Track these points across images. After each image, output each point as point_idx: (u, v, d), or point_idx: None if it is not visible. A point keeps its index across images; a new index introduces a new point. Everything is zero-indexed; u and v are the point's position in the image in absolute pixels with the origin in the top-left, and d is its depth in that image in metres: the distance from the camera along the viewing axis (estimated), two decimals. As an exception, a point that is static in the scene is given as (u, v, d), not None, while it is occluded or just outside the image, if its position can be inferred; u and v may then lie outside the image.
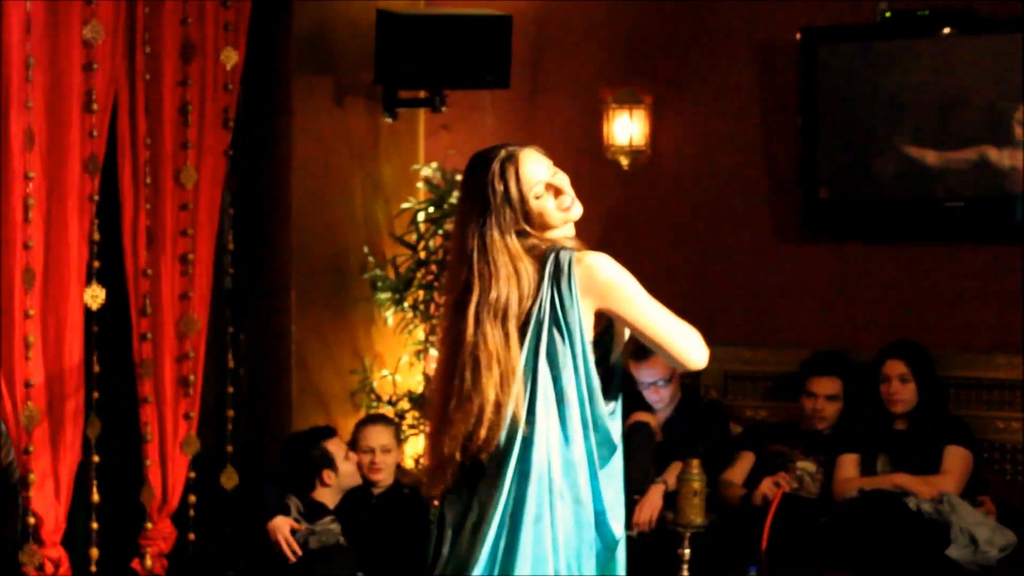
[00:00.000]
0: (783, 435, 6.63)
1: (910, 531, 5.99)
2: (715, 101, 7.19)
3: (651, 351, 6.48)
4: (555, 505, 3.65)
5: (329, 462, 6.27)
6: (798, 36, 6.88)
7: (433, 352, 7.31)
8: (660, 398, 6.68)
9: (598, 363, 3.75)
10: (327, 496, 6.30)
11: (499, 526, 3.63)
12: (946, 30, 6.67)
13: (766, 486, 6.34)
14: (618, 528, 3.78)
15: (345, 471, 6.31)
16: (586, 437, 3.71)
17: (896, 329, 6.70)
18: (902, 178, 6.77)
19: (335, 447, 6.31)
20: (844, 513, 6.17)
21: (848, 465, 6.41)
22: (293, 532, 6.08)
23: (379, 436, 6.41)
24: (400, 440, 6.69)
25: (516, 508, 3.63)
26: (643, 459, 6.47)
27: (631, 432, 6.53)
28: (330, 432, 6.38)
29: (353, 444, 6.44)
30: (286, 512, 6.16)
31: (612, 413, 3.79)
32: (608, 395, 3.78)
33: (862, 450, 6.43)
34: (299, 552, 6.06)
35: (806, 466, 6.45)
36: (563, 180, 3.82)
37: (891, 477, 6.30)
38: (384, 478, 6.41)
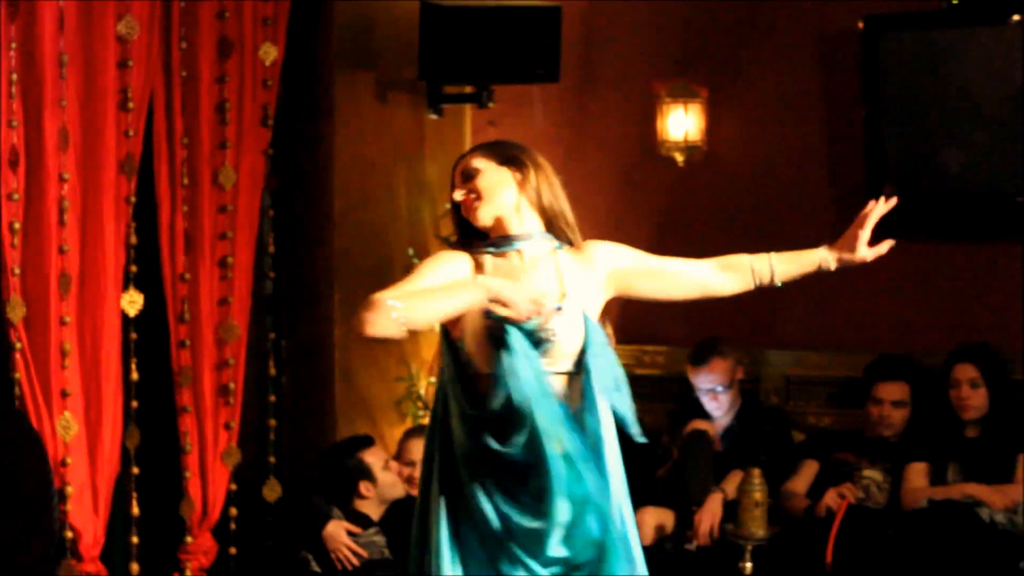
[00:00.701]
0: (848, 443, 6.56)
1: (982, 543, 5.95)
2: (774, 94, 7.14)
3: (708, 356, 6.53)
4: None
5: (365, 473, 6.21)
6: (860, 25, 6.82)
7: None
8: (719, 405, 6.63)
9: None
10: (369, 507, 6.25)
11: None
12: (1015, 17, 6.59)
13: (830, 498, 6.27)
14: None
15: (385, 481, 6.24)
16: None
17: (966, 331, 6.63)
18: (970, 172, 6.71)
19: (373, 457, 6.25)
20: (913, 525, 6.11)
21: (917, 474, 6.33)
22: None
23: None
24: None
25: None
26: (701, 468, 6.42)
27: (689, 441, 6.49)
28: (368, 441, 6.33)
29: (399, 455, 6.40)
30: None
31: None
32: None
33: (931, 458, 6.35)
34: (364, 555, 6.02)
35: (872, 475, 6.39)
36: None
37: (962, 487, 6.22)
38: (427, 492, 6.35)
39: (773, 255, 4.09)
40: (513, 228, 3.93)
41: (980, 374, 6.34)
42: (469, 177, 3.94)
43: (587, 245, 4.03)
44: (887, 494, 6.37)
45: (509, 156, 3.96)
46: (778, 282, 4.10)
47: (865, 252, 4.13)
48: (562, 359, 3.87)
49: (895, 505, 6.33)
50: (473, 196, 3.93)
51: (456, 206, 3.98)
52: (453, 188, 3.98)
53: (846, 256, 4.13)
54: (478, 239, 3.95)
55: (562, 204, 3.99)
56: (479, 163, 3.95)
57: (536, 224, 3.94)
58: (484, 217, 3.93)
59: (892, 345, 6.82)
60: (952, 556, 5.92)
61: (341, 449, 6.32)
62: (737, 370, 6.68)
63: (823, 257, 4.12)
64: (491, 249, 3.92)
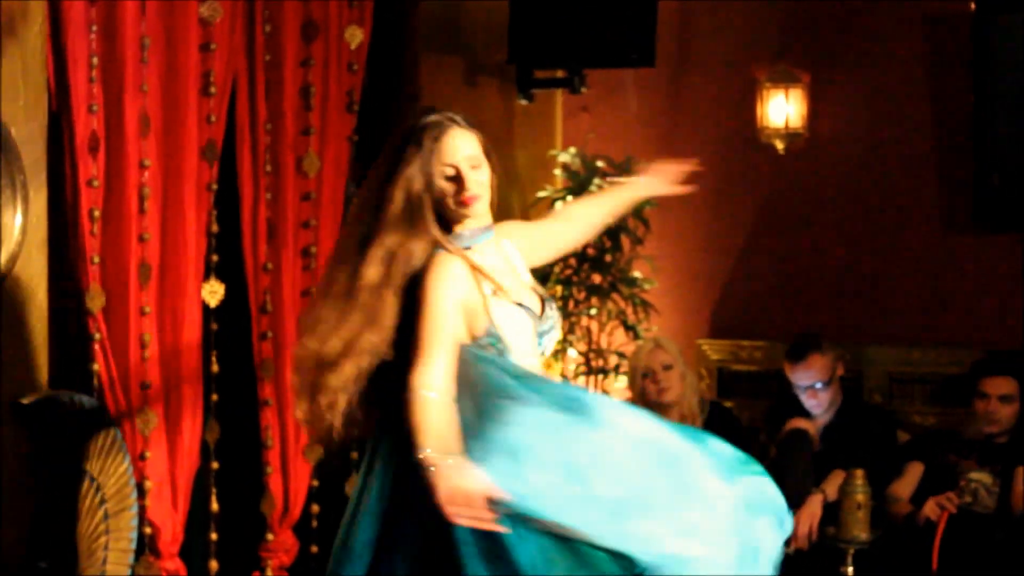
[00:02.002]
0: (955, 444, 6.49)
1: (1097, 548, 5.87)
2: (879, 79, 7.10)
3: (807, 352, 6.49)
4: None
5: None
6: (972, 6, 6.75)
7: (572, 352, 7.27)
8: (818, 402, 6.58)
9: None
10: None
11: None
12: None
13: (930, 508, 6.19)
14: None
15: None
16: None
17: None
18: (1086, 162, 6.64)
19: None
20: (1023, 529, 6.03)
21: (1028, 477, 6.27)
22: None
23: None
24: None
25: None
26: (800, 469, 6.38)
27: (787, 440, 6.45)
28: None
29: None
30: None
31: None
32: None
33: (1043, 459, 6.29)
34: None
35: (980, 478, 6.31)
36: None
37: (1076, 490, 6.16)
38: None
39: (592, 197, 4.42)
40: (486, 219, 3.85)
41: None
42: (476, 167, 3.78)
43: (500, 227, 3.94)
44: (996, 497, 6.30)
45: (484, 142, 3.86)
46: (609, 221, 4.33)
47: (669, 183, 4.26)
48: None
49: (1005, 508, 6.25)
50: (479, 192, 3.78)
51: (439, 195, 3.77)
52: (456, 176, 3.76)
53: (655, 187, 4.30)
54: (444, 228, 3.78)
55: None
56: (480, 154, 3.81)
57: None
58: (480, 212, 3.81)
59: (999, 341, 6.78)
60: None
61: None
62: (837, 366, 6.63)
63: (635, 189, 4.33)
64: (470, 243, 3.80)
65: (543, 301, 3.90)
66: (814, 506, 6.26)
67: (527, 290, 3.89)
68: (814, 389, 6.56)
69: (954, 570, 5.95)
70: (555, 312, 3.93)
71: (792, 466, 6.39)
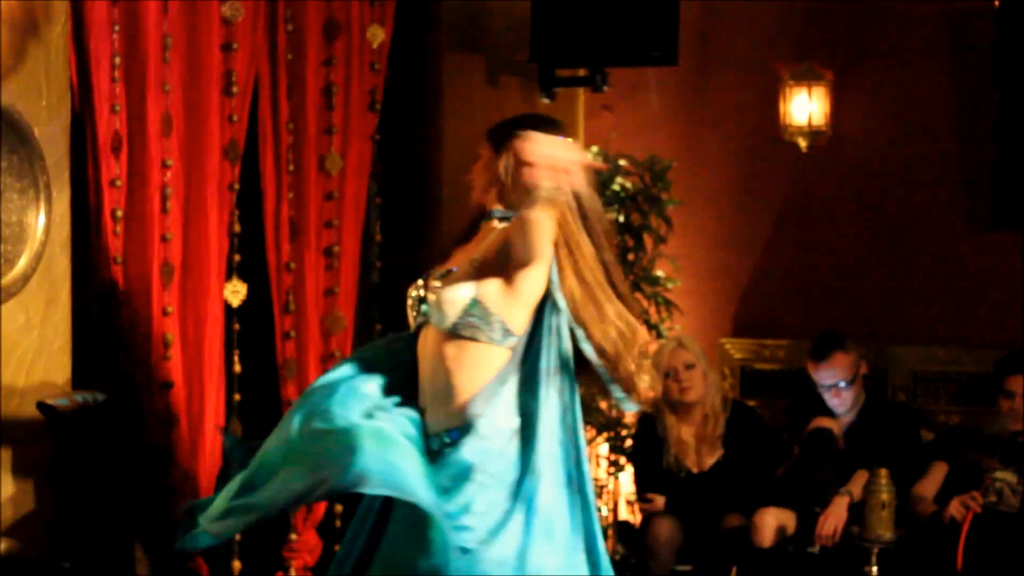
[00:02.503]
0: (979, 443, 6.49)
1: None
2: (903, 77, 7.09)
3: (831, 350, 6.49)
4: None
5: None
6: (996, 2, 6.73)
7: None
8: (842, 401, 6.58)
9: None
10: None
11: None
12: None
13: (954, 508, 6.19)
14: None
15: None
16: None
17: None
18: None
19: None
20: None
21: (1053, 475, 6.27)
22: None
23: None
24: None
25: None
26: (825, 468, 6.38)
27: (811, 439, 6.45)
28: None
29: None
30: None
31: None
32: None
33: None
34: None
35: (1006, 477, 6.30)
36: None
37: (1101, 488, 6.15)
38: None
39: None
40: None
41: None
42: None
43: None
44: (1021, 496, 6.30)
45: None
46: None
47: None
48: None
49: (1030, 508, 6.27)
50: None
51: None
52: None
53: None
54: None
55: None
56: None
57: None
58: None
59: (1022, 338, 6.75)
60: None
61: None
62: (860, 365, 6.63)
63: None
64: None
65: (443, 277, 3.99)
66: (840, 508, 6.27)
67: (465, 266, 3.96)
68: (838, 388, 6.57)
69: (979, 569, 5.94)
70: (441, 293, 3.94)
71: (817, 466, 6.40)
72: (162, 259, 5.62)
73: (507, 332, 3.83)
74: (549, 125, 4.05)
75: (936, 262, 7.08)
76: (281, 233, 6.14)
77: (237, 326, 5.99)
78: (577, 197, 3.88)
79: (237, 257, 5.96)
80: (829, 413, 6.59)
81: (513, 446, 3.80)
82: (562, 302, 3.81)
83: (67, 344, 5.25)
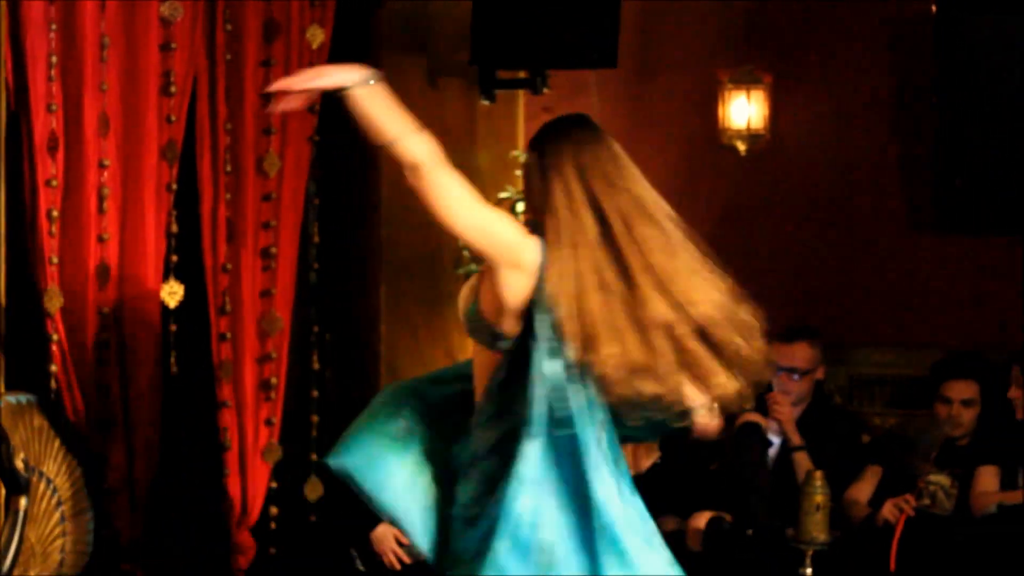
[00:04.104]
0: (914, 446, 6.54)
1: (1055, 550, 5.93)
2: (842, 81, 7.14)
3: (797, 336, 6.49)
4: None
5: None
6: (935, 8, 6.81)
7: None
8: (788, 390, 6.58)
9: None
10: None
11: None
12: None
13: (888, 510, 6.25)
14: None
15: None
16: None
17: (1037, 330, 6.63)
18: (1048, 166, 6.70)
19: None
20: (981, 531, 6.10)
21: (987, 478, 6.32)
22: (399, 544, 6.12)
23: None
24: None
25: None
26: (754, 461, 6.44)
27: (740, 433, 6.47)
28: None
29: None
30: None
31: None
32: None
33: (1001, 461, 6.35)
34: (407, 560, 6.07)
35: (940, 480, 6.37)
36: None
37: (1034, 491, 6.23)
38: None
39: None
40: None
41: None
42: None
43: None
44: (955, 500, 6.37)
45: None
46: None
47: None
48: None
49: (964, 510, 6.31)
50: None
51: None
52: None
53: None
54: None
55: None
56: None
57: None
58: None
59: (961, 343, 6.82)
60: (1022, 563, 5.92)
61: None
62: (819, 367, 6.66)
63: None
64: None
65: None
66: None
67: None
68: (790, 374, 6.58)
69: (912, 572, 6.00)
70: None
71: (745, 459, 6.44)
72: (98, 260, 5.63)
73: (496, 336, 3.71)
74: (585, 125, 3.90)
75: (874, 265, 7.13)
76: (218, 234, 6.14)
77: (173, 327, 5.99)
78: (580, 169, 3.72)
79: (174, 258, 5.94)
80: (761, 411, 6.60)
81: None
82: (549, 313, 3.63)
83: (0, 346, 5.26)
